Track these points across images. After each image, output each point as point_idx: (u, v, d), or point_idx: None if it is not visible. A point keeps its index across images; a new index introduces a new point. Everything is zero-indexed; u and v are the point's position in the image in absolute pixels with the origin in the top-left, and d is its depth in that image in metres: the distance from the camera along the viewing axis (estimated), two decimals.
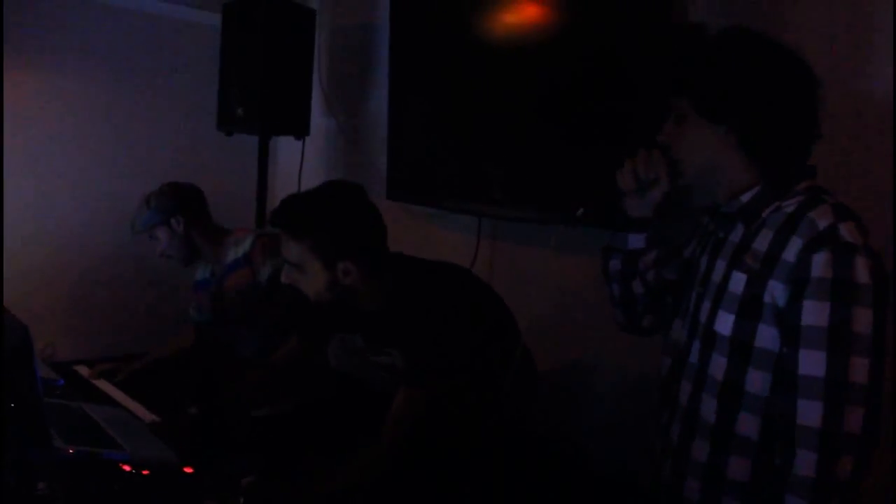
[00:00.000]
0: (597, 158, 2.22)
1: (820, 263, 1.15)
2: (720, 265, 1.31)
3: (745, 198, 1.29)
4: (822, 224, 1.17)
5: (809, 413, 1.15)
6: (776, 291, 1.20)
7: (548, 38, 2.30)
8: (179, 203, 2.50)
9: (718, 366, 1.28)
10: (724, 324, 1.26)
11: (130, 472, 1.43)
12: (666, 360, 1.44)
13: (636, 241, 1.48)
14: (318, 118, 3.26)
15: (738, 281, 1.25)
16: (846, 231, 1.17)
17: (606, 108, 2.18)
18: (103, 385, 2.28)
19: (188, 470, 1.51)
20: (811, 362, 1.15)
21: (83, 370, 2.45)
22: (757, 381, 1.23)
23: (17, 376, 1.38)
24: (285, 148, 3.50)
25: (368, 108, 3.23)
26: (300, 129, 3.10)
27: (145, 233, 2.52)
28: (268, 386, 2.00)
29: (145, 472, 1.46)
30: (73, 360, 2.62)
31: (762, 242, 1.24)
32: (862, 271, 1.15)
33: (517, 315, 1.81)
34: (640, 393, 2.34)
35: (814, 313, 1.16)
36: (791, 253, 1.19)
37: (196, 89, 3.34)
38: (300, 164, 3.23)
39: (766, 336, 1.22)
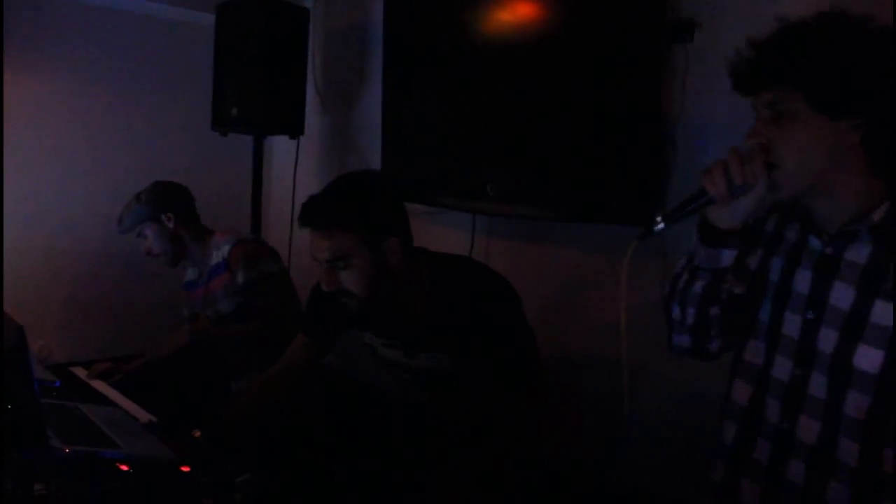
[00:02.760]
0: (591, 155, 2.24)
1: None
2: (842, 289, 1.16)
3: (878, 215, 1.13)
4: None
5: None
6: None
7: (541, 38, 2.31)
8: (170, 200, 2.50)
9: (858, 404, 1.14)
10: (869, 360, 1.12)
11: (127, 472, 1.44)
12: (741, 386, 1.30)
13: (728, 257, 1.22)
14: (313, 117, 3.26)
15: (887, 313, 1.10)
16: None
17: (600, 106, 2.20)
18: (100, 386, 2.28)
19: (185, 469, 1.51)
20: None
21: (79, 371, 2.45)
22: None
23: (13, 376, 1.38)
24: (280, 147, 3.51)
25: (363, 107, 3.24)
26: (295, 129, 3.10)
27: (133, 231, 2.50)
28: (274, 398, 1.92)
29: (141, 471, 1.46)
30: (68, 362, 2.61)
31: None
32: None
33: None
34: (634, 388, 2.35)
35: None
36: None
37: (190, 90, 3.34)
38: (295, 163, 3.23)
39: None
